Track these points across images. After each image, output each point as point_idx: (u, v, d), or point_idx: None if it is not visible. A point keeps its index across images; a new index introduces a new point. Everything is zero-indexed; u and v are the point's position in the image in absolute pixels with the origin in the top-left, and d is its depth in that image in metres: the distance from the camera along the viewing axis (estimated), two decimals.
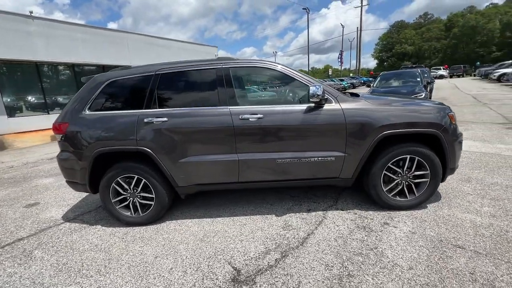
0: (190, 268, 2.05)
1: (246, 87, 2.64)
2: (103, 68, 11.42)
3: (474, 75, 30.86)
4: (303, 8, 39.21)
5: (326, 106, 2.51)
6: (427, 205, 2.69)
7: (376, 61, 76.67)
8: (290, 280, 1.84)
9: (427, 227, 2.32)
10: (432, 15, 69.94)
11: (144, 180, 2.66)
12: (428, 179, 2.59)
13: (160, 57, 13.23)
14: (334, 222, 2.55)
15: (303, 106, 2.54)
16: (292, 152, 2.56)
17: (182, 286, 1.88)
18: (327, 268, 1.92)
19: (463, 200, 2.78)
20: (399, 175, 2.60)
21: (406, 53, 66.43)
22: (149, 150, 2.56)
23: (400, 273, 1.83)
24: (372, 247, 2.12)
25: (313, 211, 2.79)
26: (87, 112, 2.68)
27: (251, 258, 2.12)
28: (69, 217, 3.14)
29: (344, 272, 1.87)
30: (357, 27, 36.97)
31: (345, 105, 2.52)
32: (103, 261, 2.22)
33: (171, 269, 2.06)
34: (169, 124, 2.55)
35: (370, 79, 34.29)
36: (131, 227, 2.75)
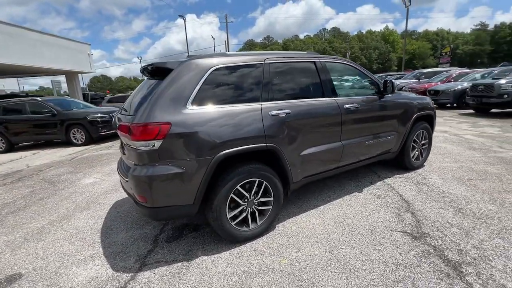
0: (371, 245, 2.17)
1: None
2: None
3: None
4: (180, 16, 38.64)
5: (387, 96, 3.25)
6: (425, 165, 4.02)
7: None
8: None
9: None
10: (273, 38, 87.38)
11: (265, 182, 2.34)
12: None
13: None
14: (401, 185, 3.33)
15: (375, 96, 3.15)
16: (374, 134, 3.11)
17: (392, 252, 2.02)
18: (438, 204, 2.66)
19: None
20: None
21: None
22: (277, 146, 2.31)
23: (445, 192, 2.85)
24: (423, 183, 3.07)
25: (376, 183, 3.45)
26: (193, 107, 2.03)
27: (391, 221, 2.51)
28: (131, 267, 2.12)
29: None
30: (225, 41, 40.59)
31: (394, 95, 3.36)
32: None
33: (363, 249, 2.10)
34: (292, 116, 2.42)
35: None
36: (240, 245, 2.31)
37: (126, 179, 2.13)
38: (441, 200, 2.88)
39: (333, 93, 2.80)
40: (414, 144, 3.71)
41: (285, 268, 1.99)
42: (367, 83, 3.33)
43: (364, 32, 78.37)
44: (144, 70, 2.40)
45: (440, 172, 3.69)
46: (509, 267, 1.84)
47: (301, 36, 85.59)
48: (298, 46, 74.75)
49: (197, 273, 2.00)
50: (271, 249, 2.23)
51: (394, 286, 1.75)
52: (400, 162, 3.73)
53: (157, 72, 2.25)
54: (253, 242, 2.35)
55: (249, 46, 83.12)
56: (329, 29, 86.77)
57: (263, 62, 2.42)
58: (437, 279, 1.78)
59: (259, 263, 2.06)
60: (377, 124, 3.15)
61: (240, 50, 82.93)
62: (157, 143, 1.91)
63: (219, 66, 2.21)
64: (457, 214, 2.57)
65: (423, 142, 3.82)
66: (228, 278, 1.92)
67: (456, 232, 2.29)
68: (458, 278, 1.77)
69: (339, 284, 1.80)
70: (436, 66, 33.14)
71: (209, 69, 2.16)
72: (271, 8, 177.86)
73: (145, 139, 1.89)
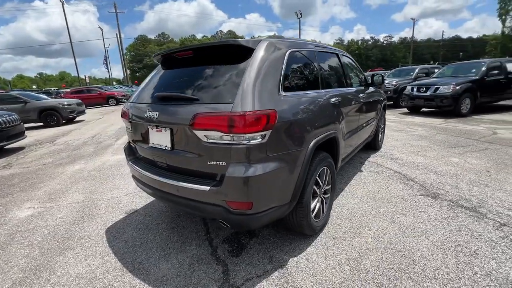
0: (413, 209, 2.59)
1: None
2: None
3: None
4: None
5: (371, 88, 3.83)
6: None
7: (129, 71, 76.42)
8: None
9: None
10: (168, 35, 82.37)
11: (329, 170, 2.35)
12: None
13: None
14: (383, 162, 4.02)
15: (365, 88, 3.65)
16: (369, 121, 3.62)
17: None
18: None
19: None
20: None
21: (156, 65, 73.18)
22: (337, 133, 2.37)
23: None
24: (395, 158, 3.92)
25: (364, 163, 4.01)
26: (283, 92, 1.81)
27: (406, 189, 3.06)
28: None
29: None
30: (116, 34, 35.14)
31: (373, 88, 3.99)
32: None
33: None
34: (342, 104, 2.53)
35: None
36: (313, 238, 2.28)
37: (187, 185, 1.70)
38: (419, 168, 3.70)
39: (348, 83, 3.09)
40: (379, 128, 4.54)
41: (376, 245, 2.10)
42: (361, 75, 3.82)
43: (256, 36, 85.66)
44: (202, 50, 1.94)
45: (396, 150, 4.67)
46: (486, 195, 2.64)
47: (198, 36, 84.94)
48: None
49: (304, 275, 1.82)
50: (346, 233, 2.28)
51: (455, 234, 2.18)
52: (372, 144, 4.48)
53: (232, 51, 1.86)
54: (323, 232, 2.33)
55: (142, 42, 75.36)
56: (225, 32, 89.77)
57: (313, 50, 2.40)
58: (472, 219, 2.34)
59: (351, 248, 2.09)
60: (371, 112, 3.69)
61: (131, 46, 73.96)
62: (267, 134, 1.60)
63: (293, 49, 2.05)
64: (439, 176, 3.39)
65: (382, 126, 4.72)
66: (340, 269, 1.86)
67: (454, 189, 3.03)
68: (479, 214, 2.40)
69: (425, 245, 2.07)
70: None
71: (288, 51, 1.98)
72: (161, 3, 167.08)
73: (255, 130, 1.55)
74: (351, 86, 3.10)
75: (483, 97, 7.93)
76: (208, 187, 1.65)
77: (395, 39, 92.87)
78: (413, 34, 62.03)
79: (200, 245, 2.25)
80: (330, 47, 2.94)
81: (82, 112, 11.69)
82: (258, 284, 1.78)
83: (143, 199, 3.19)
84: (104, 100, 18.89)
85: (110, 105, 18.90)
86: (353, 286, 1.71)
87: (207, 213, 1.78)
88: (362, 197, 2.93)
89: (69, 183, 3.86)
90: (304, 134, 1.87)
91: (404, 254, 1.98)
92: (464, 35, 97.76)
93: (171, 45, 76.79)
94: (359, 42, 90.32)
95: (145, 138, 2.09)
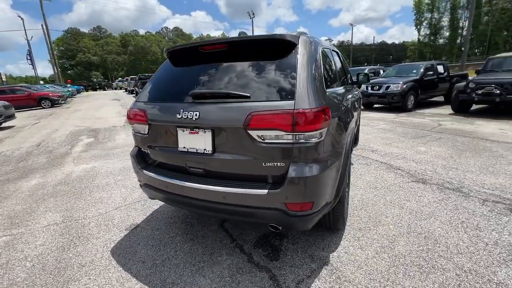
0: (412, 194, 2.87)
1: None
2: None
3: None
4: None
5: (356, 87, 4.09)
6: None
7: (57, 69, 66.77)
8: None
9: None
10: (106, 29, 74.45)
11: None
12: None
13: None
14: (366, 155, 4.34)
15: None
16: (359, 114, 3.86)
17: None
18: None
19: None
20: None
21: (92, 62, 65.49)
22: (355, 128, 2.47)
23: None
24: (374, 150, 4.33)
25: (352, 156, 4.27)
26: (326, 89, 1.81)
27: (397, 178, 3.38)
28: None
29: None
30: (42, 25, 30.17)
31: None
32: None
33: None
34: (358, 100, 2.64)
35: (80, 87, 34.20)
36: (340, 232, 2.38)
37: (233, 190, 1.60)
38: (398, 158, 4.12)
39: (348, 81, 3.26)
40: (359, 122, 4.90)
41: (399, 230, 2.27)
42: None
43: (204, 35, 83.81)
44: (236, 44, 1.79)
45: (372, 142, 5.11)
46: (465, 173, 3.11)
47: (141, 32, 78.93)
48: (140, 42, 68.48)
49: (352, 268, 1.86)
50: (368, 223, 2.41)
51: (455, 213, 2.50)
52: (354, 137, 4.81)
53: (270, 46, 1.76)
54: (347, 224, 2.41)
55: (74, 36, 66.53)
56: (171, 29, 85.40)
57: (330, 47, 2.45)
58: (462, 198, 2.72)
59: (379, 236, 2.21)
60: (359, 107, 3.95)
61: (60, 39, 64.60)
62: (324, 132, 1.57)
63: (322, 46, 2.07)
64: (418, 164, 3.83)
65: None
66: (380, 258, 1.95)
67: (435, 173, 3.45)
68: (465, 194, 2.80)
69: (438, 225, 2.32)
70: None
71: (320, 48, 1.98)
72: None
73: (317, 128, 1.50)
74: (349, 83, 3.27)
75: (422, 94, 9.25)
76: (266, 191, 1.55)
77: (334, 42, 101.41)
78: (352, 39, 68.88)
79: (231, 253, 2.10)
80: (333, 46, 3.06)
81: (11, 117, 9.77)
82: (312, 285, 1.75)
83: (139, 211, 2.83)
84: (35, 102, 16.08)
85: (44, 108, 16.20)
86: (399, 271, 1.81)
87: (261, 218, 1.67)
88: (365, 188, 3.13)
89: (33, 202, 3.18)
90: (345, 130, 1.91)
91: (426, 236, 2.18)
92: (389, 41, 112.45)
93: (109, 41, 69.69)
94: None
95: (171, 142, 1.85)
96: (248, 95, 1.58)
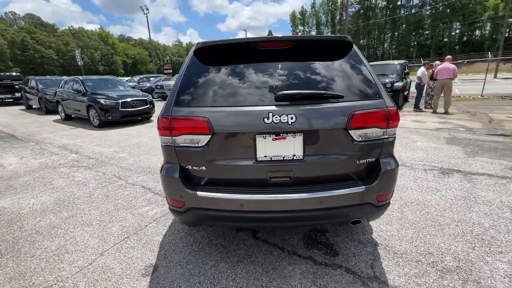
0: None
1: None
2: None
3: None
4: None
5: None
6: None
7: None
8: None
9: None
10: None
11: None
12: None
13: None
14: None
15: None
16: None
17: None
18: None
19: None
20: None
21: None
22: None
23: None
24: None
25: None
26: None
27: None
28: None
29: None
30: None
31: None
32: None
33: None
34: None
35: None
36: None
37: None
38: None
39: None
40: None
41: (419, 219, 2.78)
42: None
43: (76, 27, 69.05)
44: (299, 42, 1.70)
45: None
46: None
47: None
48: None
49: (398, 242, 2.18)
50: (403, 208, 2.75)
51: (419, 182, 3.30)
52: None
53: (326, 46, 1.79)
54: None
55: None
56: (22, 15, 65.61)
57: None
58: (413, 171, 3.60)
59: (395, 210, 2.64)
60: None
61: None
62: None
63: None
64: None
65: None
66: (406, 228, 2.36)
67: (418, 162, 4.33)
68: (409, 167, 3.73)
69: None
70: (154, 72, 38.56)
71: None
72: None
73: (397, 124, 1.67)
74: None
75: None
76: (363, 187, 1.60)
77: None
78: None
79: (293, 262, 2.01)
80: None
81: None
82: (383, 265, 1.93)
83: (141, 249, 2.21)
84: None
85: None
86: (424, 232, 2.26)
87: (353, 215, 1.69)
88: None
89: None
90: None
91: (417, 203, 2.78)
92: None
93: None
94: None
95: (244, 152, 1.58)
96: (343, 95, 1.58)
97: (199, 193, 1.62)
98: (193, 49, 1.85)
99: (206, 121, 1.54)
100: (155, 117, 9.39)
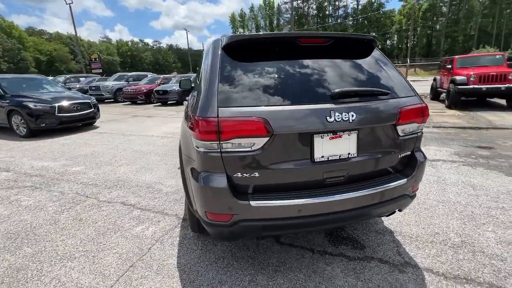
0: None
1: None
2: None
3: None
4: None
5: None
6: None
7: None
8: None
9: None
10: None
11: None
12: None
13: None
14: None
15: None
16: None
17: None
18: None
19: None
20: None
21: None
22: None
23: None
24: None
25: None
26: None
27: None
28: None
29: None
30: None
31: None
32: None
33: None
34: None
35: None
36: None
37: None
38: None
39: None
40: None
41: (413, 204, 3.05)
42: None
43: None
44: (333, 39, 1.67)
45: None
46: None
47: None
48: None
49: (409, 228, 2.38)
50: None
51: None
52: None
53: (354, 44, 1.85)
54: None
55: None
56: None
57: None
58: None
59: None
60: None
61: None
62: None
63: None
64: None
65: None
66: (414, 213, 2.61)
67: None
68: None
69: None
70: (83, 71, 32.99)
71: None
72: None
73: (426, 120, 1.82)
74: None
75: None
76: (405, 179, 1.69)
77: (163, 45, 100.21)
78: (188, 44, 70.25)
79: (329, 262, 1.99)
80: None
81: None
82: (407, 250, 2.08)
83: (155, 279, 1.87)
84: None
85: None
86: (429, 216, 2.54)
87: (395, 207, 1.76)
88: None
89: None
90: None
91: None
92: None
93: None
94: (129, 43, 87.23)
95: (300, 154, 1.47)
96: (388, 91, 1.62)
97: (253, 202, 1.45)
98: (219, 43, 1.67)
99: (264, 121, 1.39)
100: (100, 122, 8.19)
